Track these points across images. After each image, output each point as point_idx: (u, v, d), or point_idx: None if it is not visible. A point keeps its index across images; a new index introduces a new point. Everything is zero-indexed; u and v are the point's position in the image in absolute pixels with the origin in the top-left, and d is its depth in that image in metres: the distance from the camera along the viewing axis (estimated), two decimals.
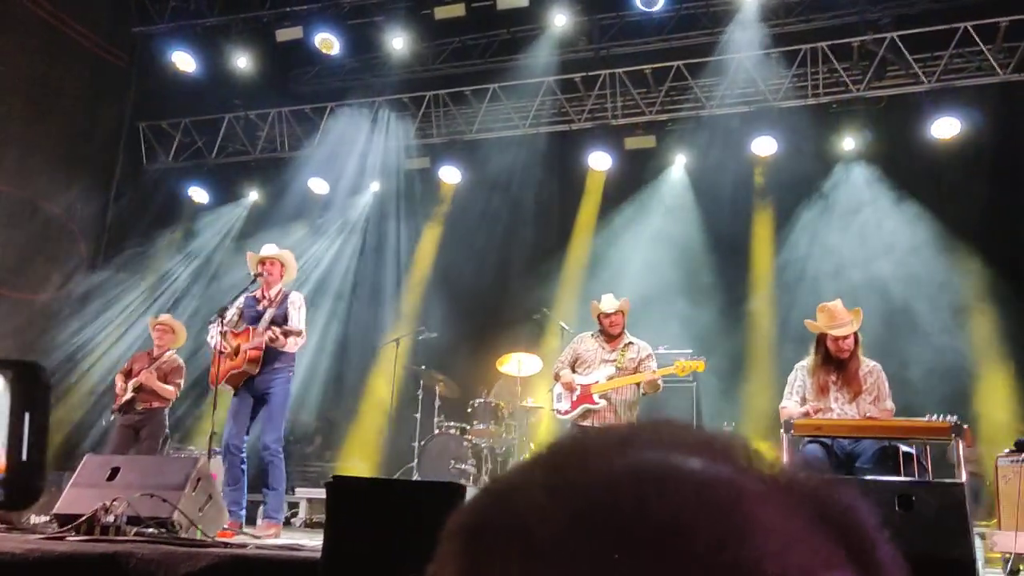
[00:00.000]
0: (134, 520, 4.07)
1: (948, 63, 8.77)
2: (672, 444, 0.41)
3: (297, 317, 5.99)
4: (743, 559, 0.36)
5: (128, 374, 7.34)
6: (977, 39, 8.49)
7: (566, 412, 6.07)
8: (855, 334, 5.06)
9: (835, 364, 5.07)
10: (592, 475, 0.40)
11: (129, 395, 7.15)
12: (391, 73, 10.60)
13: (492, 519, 0.40)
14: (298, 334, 5.88)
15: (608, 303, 6.11)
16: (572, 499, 0.38)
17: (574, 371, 6.16)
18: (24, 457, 0.89)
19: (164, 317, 7.57)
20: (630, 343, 6.13)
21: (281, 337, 5.79)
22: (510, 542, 0.38)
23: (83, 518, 4.00)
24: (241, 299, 6.15)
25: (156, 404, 7.21)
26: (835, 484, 0.42)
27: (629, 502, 0.37)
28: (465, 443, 7.65)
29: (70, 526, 4.04)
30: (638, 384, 6.01)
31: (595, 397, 5.93)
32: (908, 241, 8.94)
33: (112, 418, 7.34)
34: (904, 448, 4.82)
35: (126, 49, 10.99)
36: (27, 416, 0.89)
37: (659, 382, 5.99)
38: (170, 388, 7.18)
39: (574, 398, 6.01)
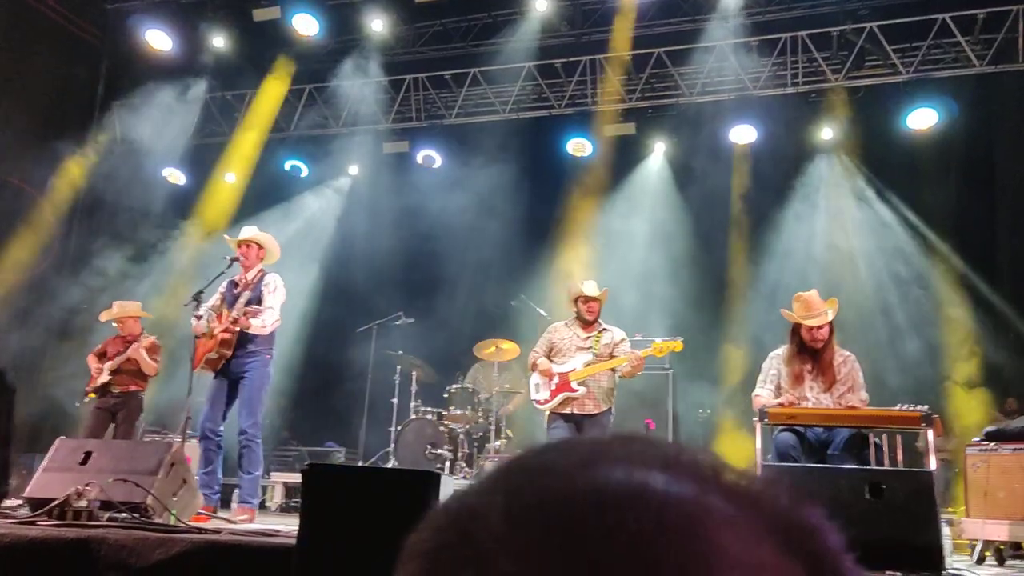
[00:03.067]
0: (107, 505, 4.03)
1: (926, 54, 8.85)
2: (636, 461, 0.40)
3: (271, 299, 5.88)
4: None
5: (102, 356, 7.25)
6: (955, 30, 8.57)
7: (545, 402, 6.05)
8: (830, 324, 5.09)
9: (810, 353, 5.10)
10: (552, 497, 0.39)
11: (106, 377, 7.06)
12: (370, 56, 10.49)
13: (452, 545, 0.39)
14: (261, 312, 5.71)
15: (591, 287, 6.09)
16: (531, 526, 0.38)
17: (550, 360, 6.14)
18: None
19: (120, 305, 7.41)
20: (604, 329, 6.15)
21: (243, 319, 5.66)
22: (469, 571, 0.38)
23: (55, 503, 3.96)
24: (223, 284, 6.08)
25: (133, 387, 7.14)
26: (802, 504, 0.41)
27: (589, 529, 0.37)
28: (441, 428, 7.66)
29: (42, 511, 3.99)
30: (614, 370, 6.02)
31: (574, 384, 5.93)
32: (883, 230, 9.05)
33: (86, 400, 7.24)
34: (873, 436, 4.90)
35: (98, 25, 10.78)
36: None
37: (641, 363, 5.93)
38: (152, 364, 7.11)
39: (552, 386, 6.00)
